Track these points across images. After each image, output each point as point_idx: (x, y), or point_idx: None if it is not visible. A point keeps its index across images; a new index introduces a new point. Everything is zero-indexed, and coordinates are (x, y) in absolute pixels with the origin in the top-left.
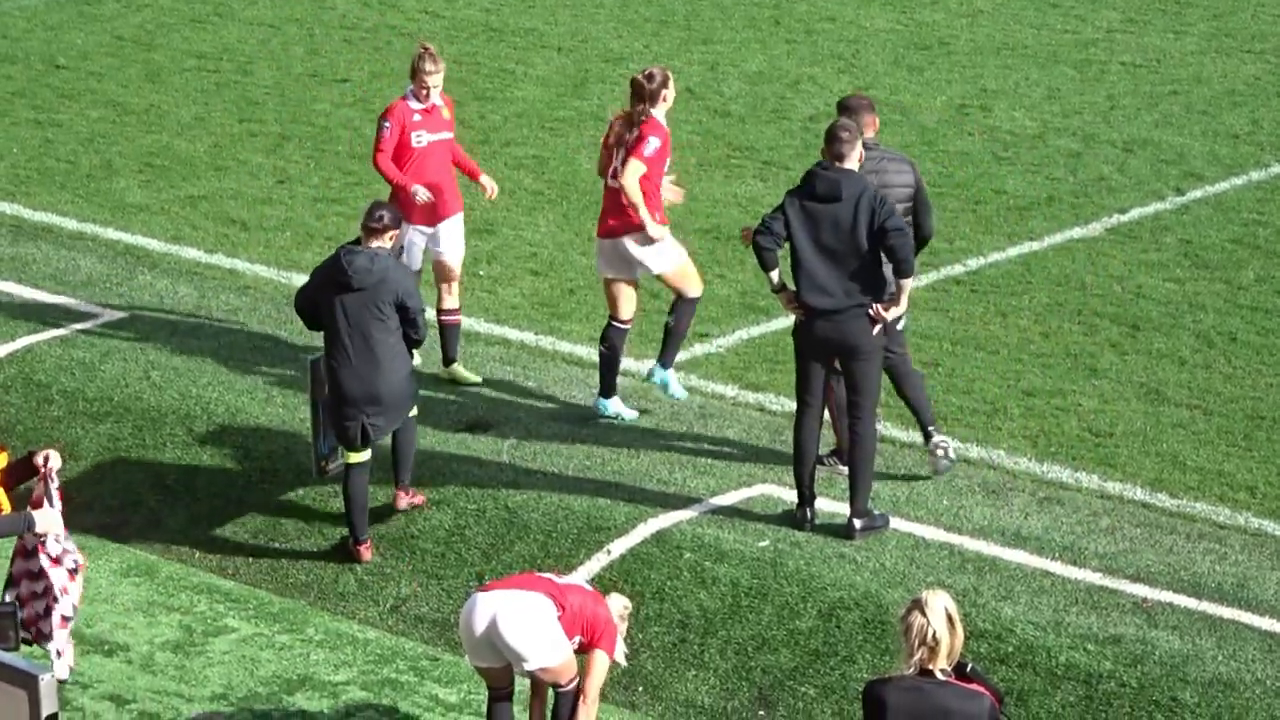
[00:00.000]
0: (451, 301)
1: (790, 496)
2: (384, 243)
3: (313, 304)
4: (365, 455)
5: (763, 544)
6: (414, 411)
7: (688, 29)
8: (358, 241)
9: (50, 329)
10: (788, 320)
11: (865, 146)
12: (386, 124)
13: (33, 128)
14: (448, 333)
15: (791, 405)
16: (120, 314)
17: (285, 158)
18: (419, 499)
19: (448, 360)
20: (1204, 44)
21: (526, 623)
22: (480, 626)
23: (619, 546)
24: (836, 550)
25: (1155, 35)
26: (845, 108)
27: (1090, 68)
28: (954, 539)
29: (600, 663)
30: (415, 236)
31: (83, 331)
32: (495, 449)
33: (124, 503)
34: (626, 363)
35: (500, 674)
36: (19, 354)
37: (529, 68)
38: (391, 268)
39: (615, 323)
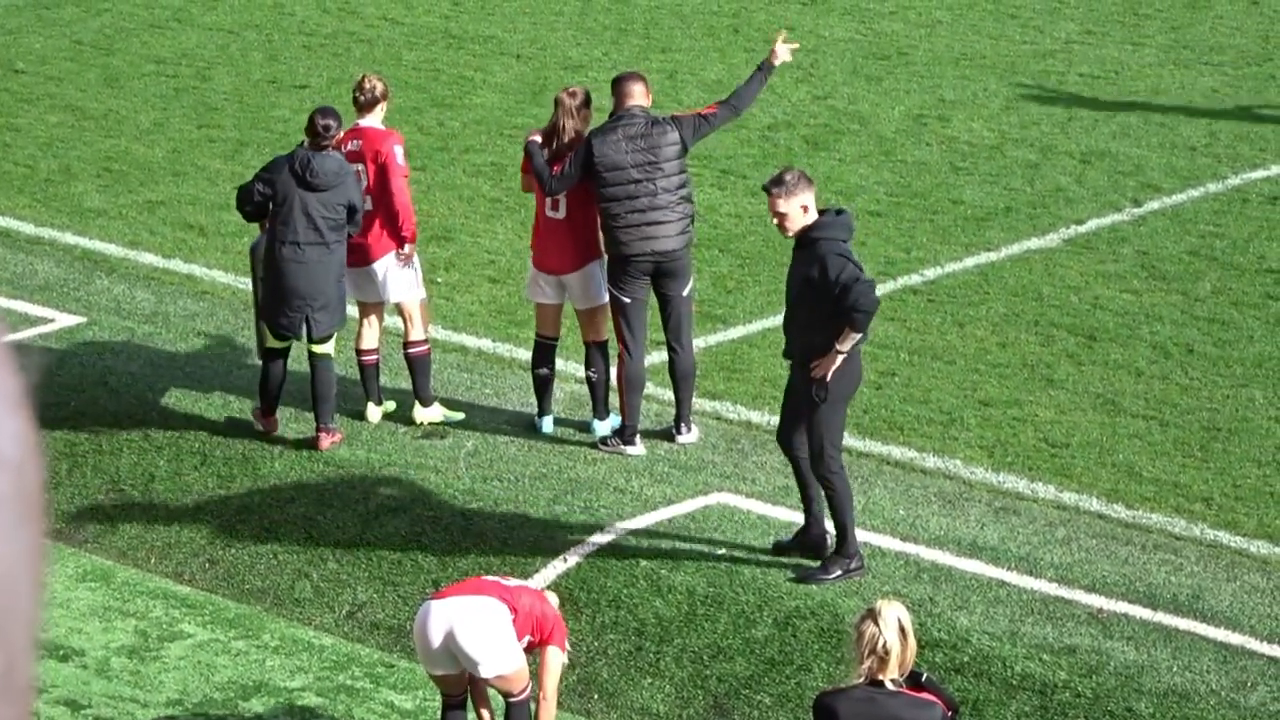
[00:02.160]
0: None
1: (746, 505)
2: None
3: (265, 198)
4: (328, 347)
5: (719, 552)
6: (332, 350)
7: (646, 37)
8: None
9: (6, 334)
10: (745, 329)
11: (630, 114)
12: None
13: None
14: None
15: (748, 414)
16: (77, 319)
17: (244, 163)
18: (338, 437)
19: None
20: (1162, 56)
21: (483, 630)
22: (437, 636)
23: (575, 554)
24: (792, 559)
25: (1113, 47)
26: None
27: (1049, 79)
28: (910, 548)
29: (555, 658)
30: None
31: (39, 336)
32: (452, 456)
33: (80, 508)
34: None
35: (455, 681)
36: None
37: (488, 75)
38: (349, 172)
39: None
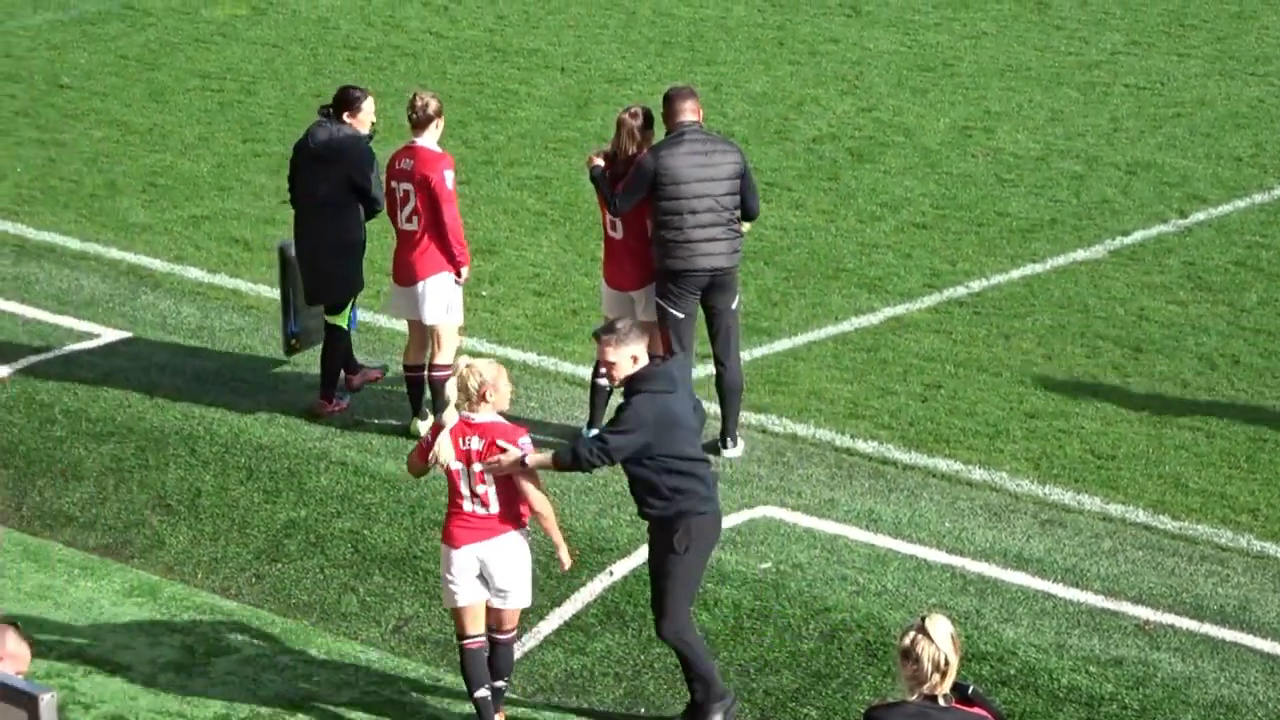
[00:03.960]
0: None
1: (792, 519)
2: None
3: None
4: (339, 318)
5: (765, 566)
6: (344, 322)
7: (691, 50)
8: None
9: (53, 349)
10: (791, 342)
11: (691, 128)
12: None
13: (36, 147)
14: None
15: (794, 427)
16: (123, 334)
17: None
18: (339, 407)
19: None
20: (1208, 67)
21: (516, 564)
22: (473, 569)
23: (621, 568)
24: (839, 572)
25: (1159, 58)
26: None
27: (1094, 90)
28: (956, 561)
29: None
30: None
31: (85, 351)
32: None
33: (127, 523)
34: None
35: (476, 616)
36: (21, 374)
37: (532, 88)
38: (348, 147)
39: None
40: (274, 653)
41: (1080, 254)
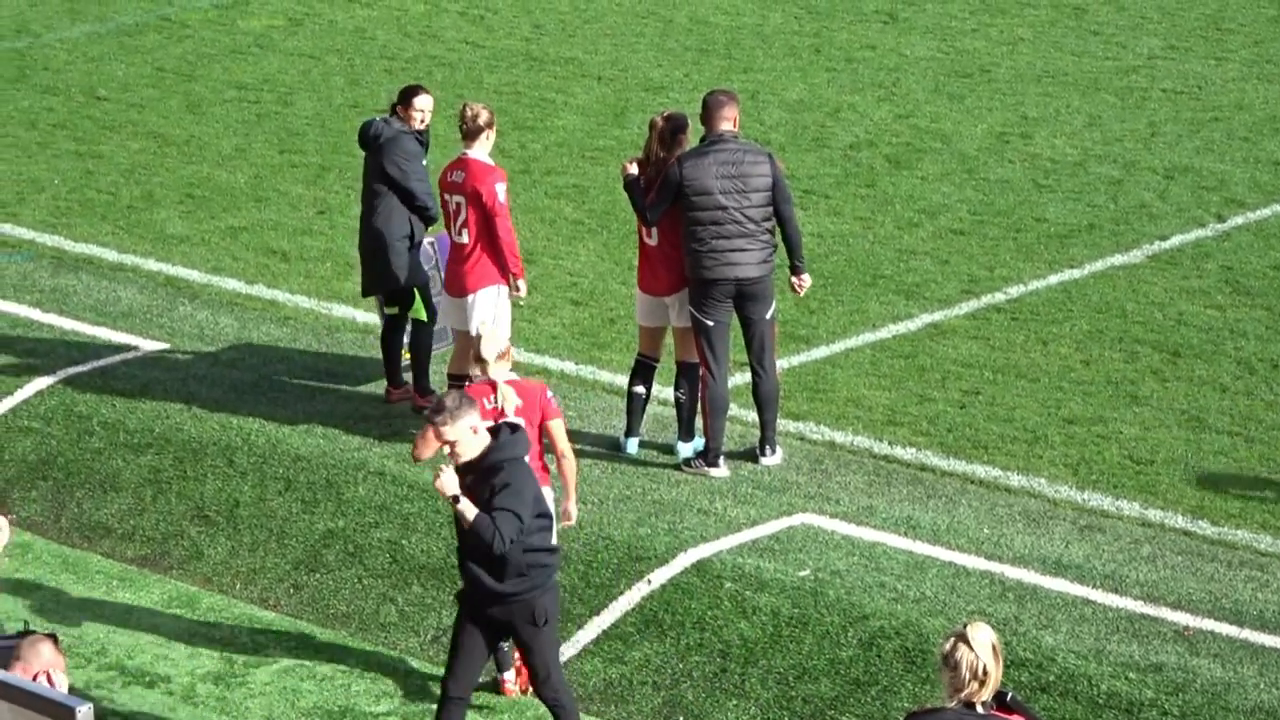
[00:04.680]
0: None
1: (830, 526)
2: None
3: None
4: (398, 309)
5: (803, 573)
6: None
7: (728, 58)
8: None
9: (91, 360)
10: (828, 349)
11: (723, 138)
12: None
13: (74, 159)
14: None
15: (832, 434)
16: (161, 345)
17: (326, 188)
18: (399, 394)
19: None
20: (1245, 70)
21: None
22: None
23: (659, 576)
24: (877, 579)
25: (1196, 62)
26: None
27: (1131, 95)
28: (995, 567)
29: (560, 428)
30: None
31: (123, 363)
32: None
33: (165, 534)
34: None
35: None
36: (60, 386)
37: (569, 97)
38: (393, 142)
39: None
40: (313, 663)
41: (1118, 259)
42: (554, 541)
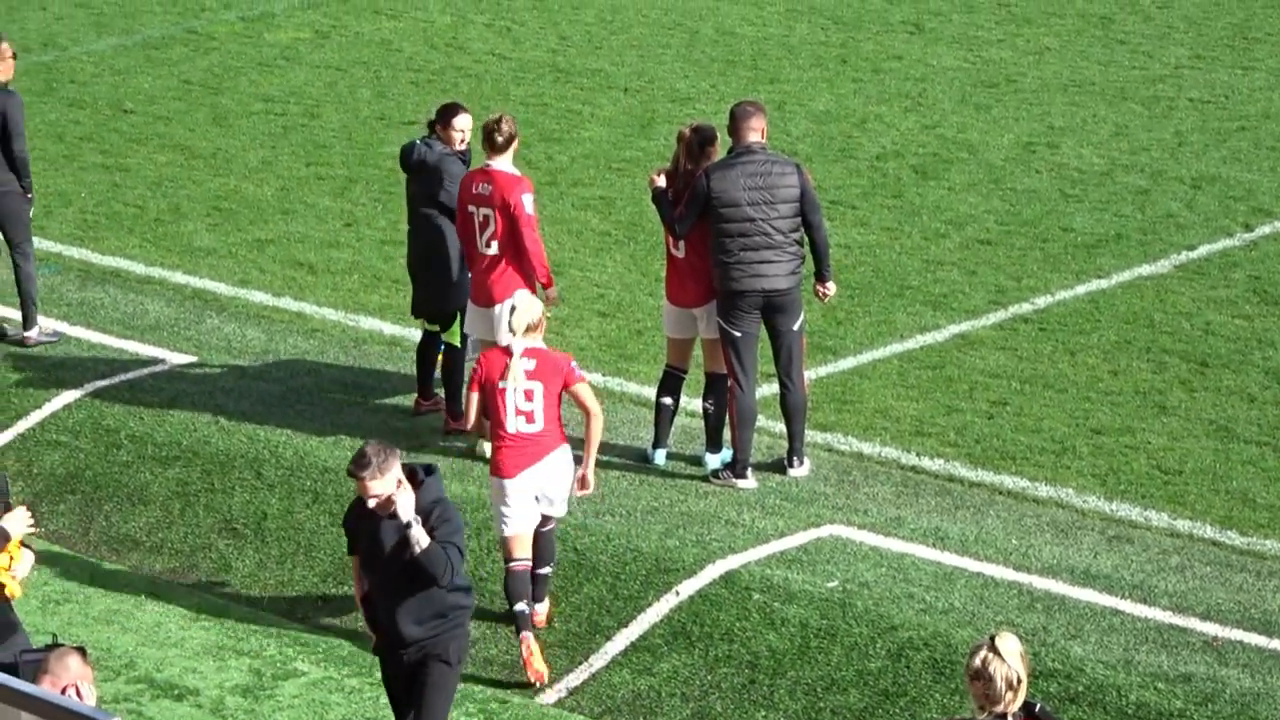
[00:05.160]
0: None
1: (859, 537)
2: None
3: None
4: (440, 327)
5: (831, 584)
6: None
7: (754, 69)
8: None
9: (119, 373)
10: (856, 360)
11: (751, 150)
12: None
13: (101, 172)
14: None
15: (860, 445)
16: (188, 358)
17: (352, 200)
18: (427, 406)
19: None
20: (1272, 80)
21: (564, 478)
22: (530, 491)
23: (687, 588)
24: (905, 590)
25: (1223, 71)
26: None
27: (1158, 104)
28: (1023, 578)
29: (587, 390)
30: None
31: (151, 376)
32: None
33: (193, 547)
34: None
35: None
36: (87, 399)
37: (595, 108)
38: (433, 163)
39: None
40: (341, 675)
41: (1145, 269)
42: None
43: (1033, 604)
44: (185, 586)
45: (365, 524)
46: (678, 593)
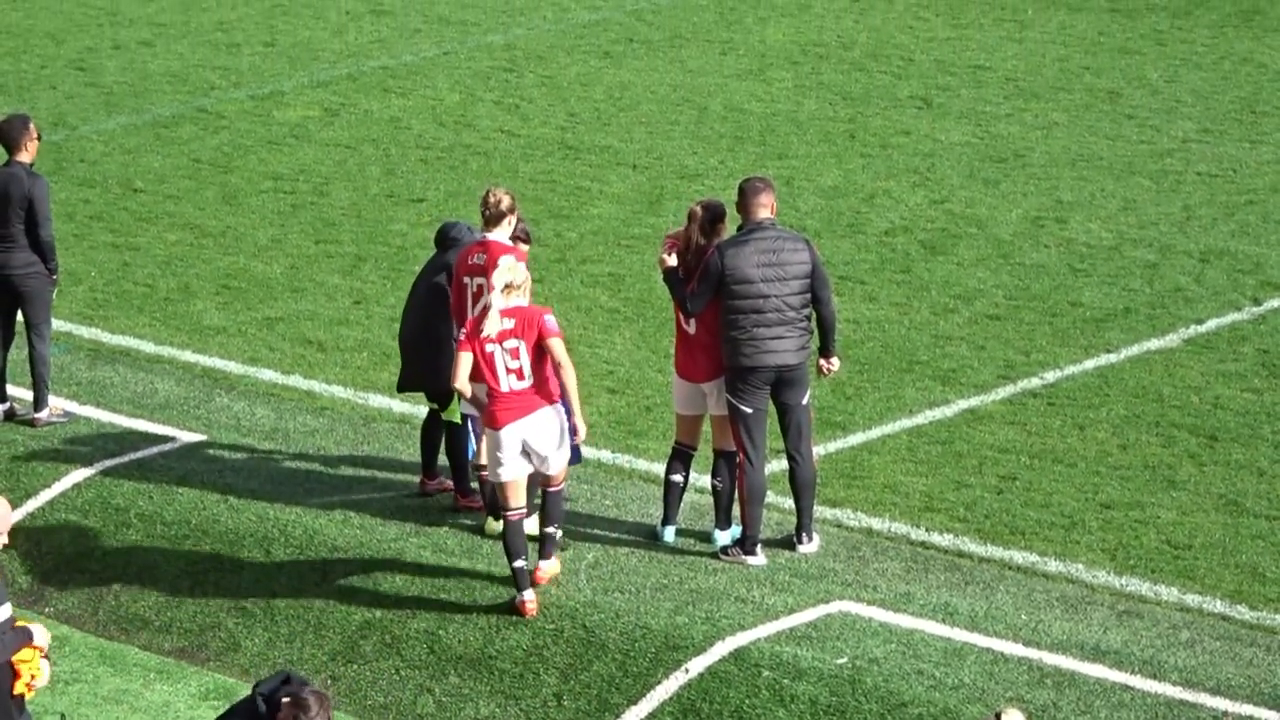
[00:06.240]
0: None
1: (868, 613)
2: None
3: None
4: (442, 406)
5: (841, 661)
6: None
7: (763, 144)
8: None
9: (128, 452)
10: (865, 435)
11: (762, 226)
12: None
13: (110, 251)
14: None
15: (869, 520)
16: (198, 436)
17: (362, 278)
18: (432, 486)
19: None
20: None
21: (555, 433)
22: (517, 444)
23: (697, 665)
24: (915, 666)
25: (1231, 145)
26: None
27: (1166, 178)
28: (1033, 654)
29: (559, 345)
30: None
31: (160, 454)
32: (573, 568)
33: (202, 625)
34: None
35: (519, 489)
36: (97, 477)
37: (604, 185)
38: (450, 244)
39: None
40: None
41: (1154, 343)
42: None
43: (1042, 680)
44: (194, 665)
45: None
46: (687, 670)
